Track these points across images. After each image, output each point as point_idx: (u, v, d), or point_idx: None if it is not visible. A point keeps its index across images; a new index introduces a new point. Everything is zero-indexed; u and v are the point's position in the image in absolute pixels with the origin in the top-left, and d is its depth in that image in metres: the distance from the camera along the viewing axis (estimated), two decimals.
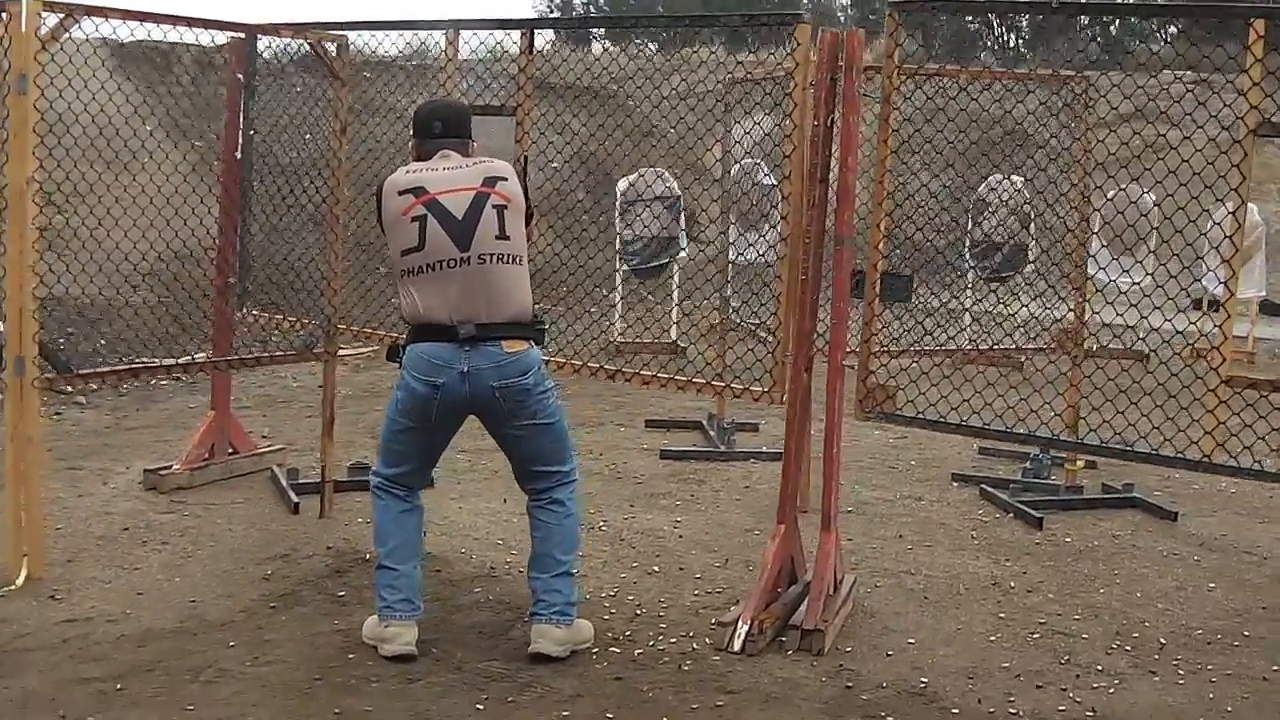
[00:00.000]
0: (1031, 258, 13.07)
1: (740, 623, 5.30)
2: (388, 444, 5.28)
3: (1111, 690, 5.09)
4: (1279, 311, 16.47)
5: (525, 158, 6.39)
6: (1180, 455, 5.20)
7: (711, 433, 9.27)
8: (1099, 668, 5.31)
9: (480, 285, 4.97)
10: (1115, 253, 14.56)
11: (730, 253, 8.74)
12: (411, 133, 5.37)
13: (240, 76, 7.21)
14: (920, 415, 5.57)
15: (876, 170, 5.46)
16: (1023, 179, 11.28)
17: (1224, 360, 4.91)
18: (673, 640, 5.41)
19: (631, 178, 12.09)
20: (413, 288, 5.02)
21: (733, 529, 7.15)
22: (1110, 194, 7.70)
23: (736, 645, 5.26)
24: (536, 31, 6.58)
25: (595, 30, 37.48)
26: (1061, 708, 4.91)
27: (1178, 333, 5.94)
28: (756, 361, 5.94)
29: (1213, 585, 6.48)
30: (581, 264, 6.73)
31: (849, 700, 4.90)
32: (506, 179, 5.13)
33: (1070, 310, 7.94)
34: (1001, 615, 5.88)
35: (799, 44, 5.46)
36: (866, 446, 9.13)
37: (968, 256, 12.73)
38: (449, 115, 5.36)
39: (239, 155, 7.27)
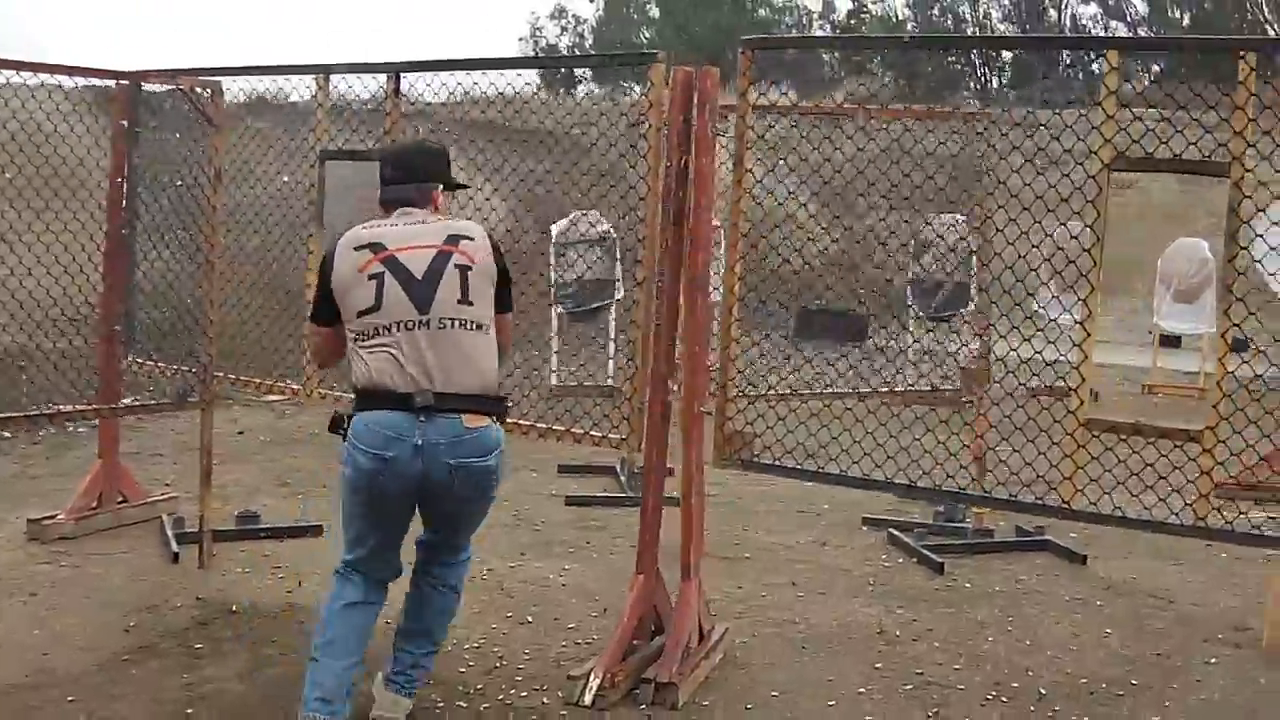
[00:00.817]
0: (974, 296, 12.98)
1: (592, 676, 5.15)
2: (344, 525, 4.71)
3: None
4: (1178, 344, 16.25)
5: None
6: (1039, 501, 5.08)
7: (622, 478, 9.13)
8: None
9: (440, 351, 4.47)
10: (1059, 289, 14.58)
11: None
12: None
13: (124, 123, 7.11)
14: (777, 462, 5.44)
15: (731, 211, 5.34)
16: (964, 217, 11.18)
17: (1081, 403, 4.77)
18: (524, 694, 5.27)
19: (565, 221, 12.02)
20: (365, 353, 4.50)
21: (621, 577, 6.90)
22: (1054, 231, 7.57)
23: (587, 699, 5.11)
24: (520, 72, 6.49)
25: (580, 71, 37.77)
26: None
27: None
28: (614, 408, 5.82)
29: (1109, 631, 6.36)
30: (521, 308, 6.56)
31: None
32: (472, 238, 4.66)
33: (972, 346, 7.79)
34: (879, 665, 5.74)
35: (653, 84, 5.35)
36: (781, 490, 8.96)
37: (909, 296, 12.64)
38: (406, 159, 4.88)
39: (124, 203, 7.16)
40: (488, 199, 6.78)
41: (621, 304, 12.57)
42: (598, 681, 5.13)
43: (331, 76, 6.63)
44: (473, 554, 5.05)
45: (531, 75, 34.15)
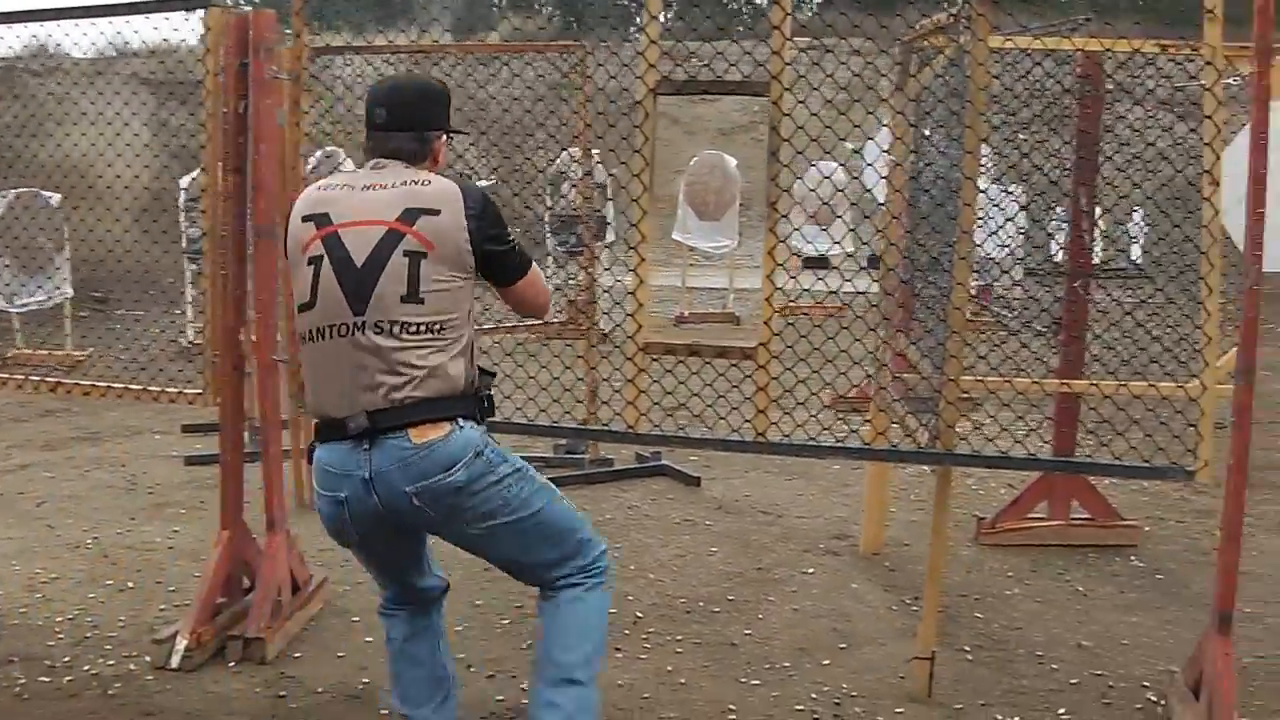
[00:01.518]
0: (611, 230, 13.19)
1: (179, 638, 5.06)
2: None
3: None
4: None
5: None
6: (605, 427, 5.20)
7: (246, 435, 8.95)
8: None
9: (376, 364, 3.57)
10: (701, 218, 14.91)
11: None
12: None
13: None
14: None
15: (289, 155, 5.28)
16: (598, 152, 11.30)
17: (639, 327, 4.87)
18: (113, 663, 5.12)
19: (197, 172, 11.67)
20: (305, 359, 3.74)
21: None
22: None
23: (174, 662, 5.00)
24: None
25: None
26: (500, 697, 4.84)
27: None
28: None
29: (714, 550, 6.57)
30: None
31: (278, 710, 4.73)
32: (437, 211, 3.60)
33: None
34: (479, 603, 5.79)
35: (209, 28, 5.22)
36: None
37: (547, 232, 12.75)
38: (396, 99, 3.80)
39: None
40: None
41: None
42: (184, 643, 5.03)
43: None
44: (604, 561, 4.01)
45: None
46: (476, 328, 3.83)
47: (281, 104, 5.18)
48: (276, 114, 5.15)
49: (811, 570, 6.27)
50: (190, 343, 11.11)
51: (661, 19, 4.71)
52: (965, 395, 6.50)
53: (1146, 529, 6.90)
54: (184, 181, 11.89)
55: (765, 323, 4.71)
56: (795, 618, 5.65)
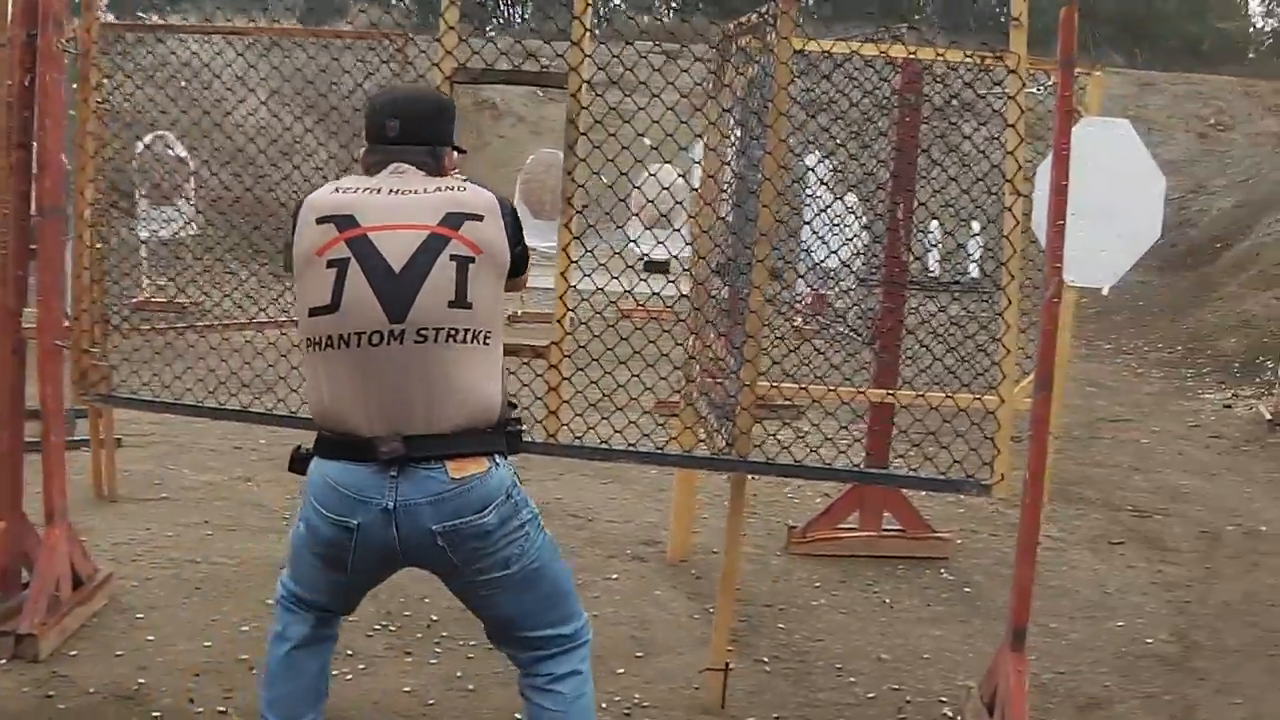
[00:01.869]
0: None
1: None
2: (294, 561, 3.60)
3: (350, 676, 4.88)
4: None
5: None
6: None
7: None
8: (349, 652, 5.07)
9: (417, 376, 3.27)
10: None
11: (142, 230, 8.29)
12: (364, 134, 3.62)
13: None
14: (135, 396, 5.20)
15: (77, 134, 5.04)
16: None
17: None
18: None
19: None
20: (321, 367, 3.34)
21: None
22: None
23: None
24: None
25: None
26: None
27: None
28: None
29: None
30: None
31: (44, 710, 4.50)
32: (480, 217, 3.39)
33: None
34: (269, 601, 5.56)
35: None
36: (225, 428, 8.64)
37: None
38: (411, 111, 3.56)
39: None
40: None
41: None
42: None
43: None
44: (588, 634, 3.80)
45: None
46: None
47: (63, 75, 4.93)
48: (63, 89, 4.91)
49: (615, 576, 6.16)
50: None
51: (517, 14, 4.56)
52: (787, 403, 6.50)
53: (959, 541, 6.92)
54: None
55: (558, 321, 4.61)
56: (594, 624, 5.44)
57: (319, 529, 3.38)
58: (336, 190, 3.43)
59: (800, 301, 10.62)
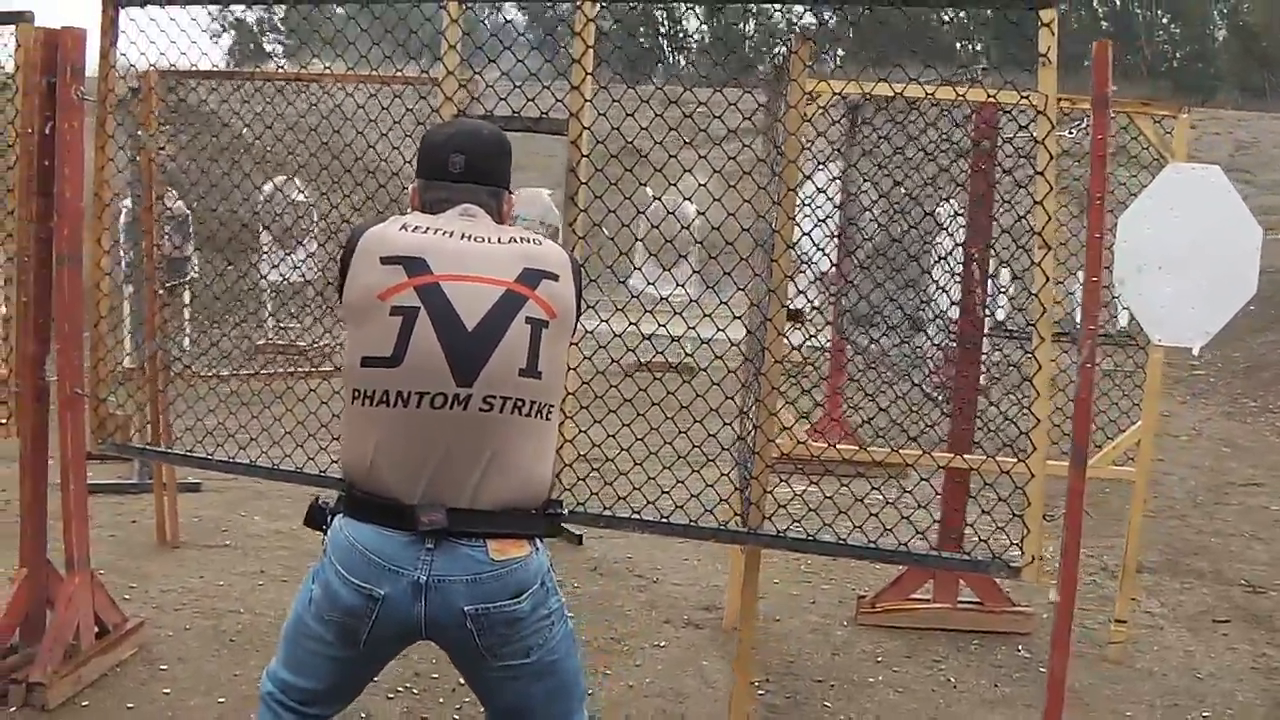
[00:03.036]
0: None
1: None
2: (291, 642, 3.21)
3: None
4: None
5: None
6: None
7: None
8: (364, 715, 4.94)
9: (473, 447, 2.98)
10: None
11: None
12: (415, 169, 3.35)
13: None
14: (149, 447, 5.12)
15: (95, 181, 4.99)
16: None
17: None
18: None
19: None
20: (367, 422, 3.02)
21: None
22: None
23: None
24: None
25: None
26: None
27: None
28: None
29: (570, 616, 6.00)
30: None
31: None
32: (557, 276, 3.10)
33: None
34: None
35: (20, 44, 4.94)
36: None
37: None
38: (477, 148, 3.25)
39: None
40: None
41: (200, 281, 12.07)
42: None
43: None
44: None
45: None
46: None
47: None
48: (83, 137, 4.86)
49: (664, 643, 5.88)
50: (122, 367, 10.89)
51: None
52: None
53: (1045, 615, 6.48)
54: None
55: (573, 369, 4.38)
56: (627, 695, 5.27)
57: (338, 595, 3.02)
58: (404, 228, 3.09)
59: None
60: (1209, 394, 13.94)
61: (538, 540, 3.07)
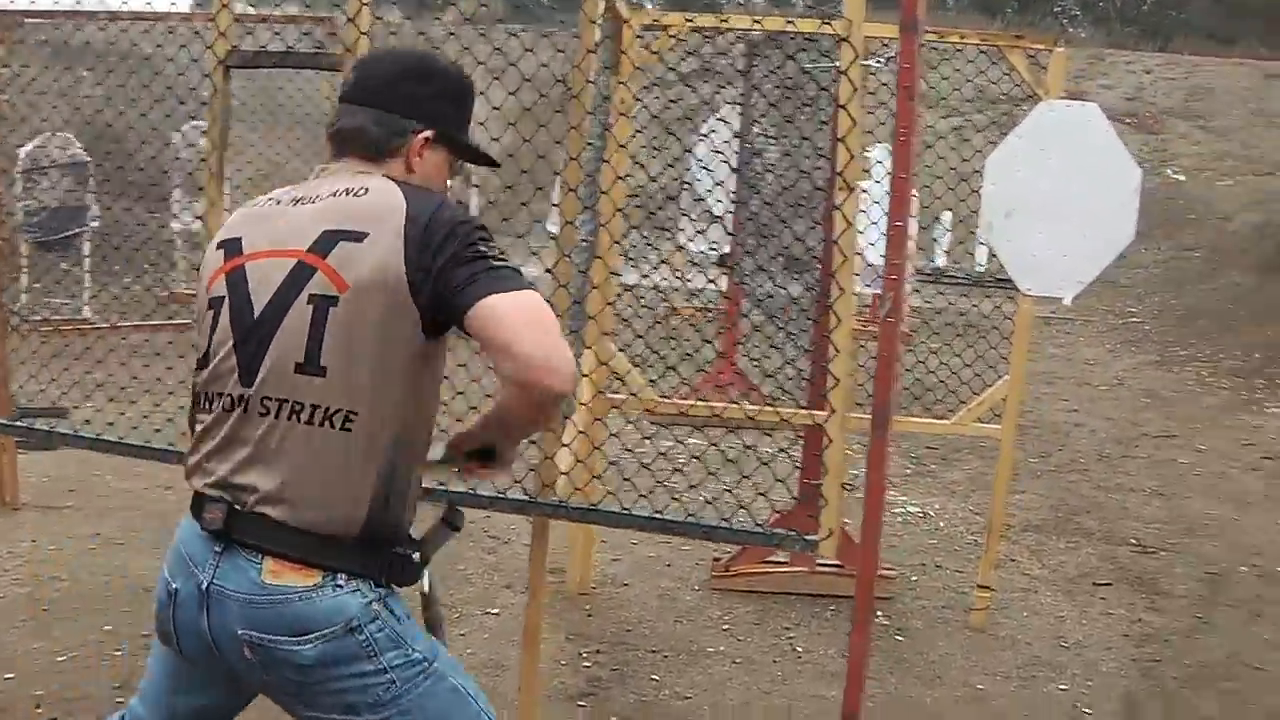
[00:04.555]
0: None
1: None
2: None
3: None
4: None
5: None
6: None
7: None
8: None
9: (268, 455, 2.44)
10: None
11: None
12: None
13: None
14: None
15: None
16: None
17: None
18: None
19: (33, 144, 11.02)
20: (199, 425, 2.57)
21: None
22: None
23: None
24: None
25: None
26: None
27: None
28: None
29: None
30: None
31: None
32: (363, 236, 2.42)
33: None
34: (108, 628, 5.14)
35: None
36: None
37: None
38: (375, 67, 2.70)
39: None
40: None
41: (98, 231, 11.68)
42: None
43: None
44: None
45: None
46: None
47: None
48: None
49: (498, 611, 5.57)
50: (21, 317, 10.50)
51: None
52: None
53: (914, 578, 6.21)
54: (23, 151, 11.20)
55: None
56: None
57: (157, 588, 2.59)
58: (261, 201, 2.65)
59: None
60: (1141, 342, 13.61)
61: (342, 576, 2.43)
